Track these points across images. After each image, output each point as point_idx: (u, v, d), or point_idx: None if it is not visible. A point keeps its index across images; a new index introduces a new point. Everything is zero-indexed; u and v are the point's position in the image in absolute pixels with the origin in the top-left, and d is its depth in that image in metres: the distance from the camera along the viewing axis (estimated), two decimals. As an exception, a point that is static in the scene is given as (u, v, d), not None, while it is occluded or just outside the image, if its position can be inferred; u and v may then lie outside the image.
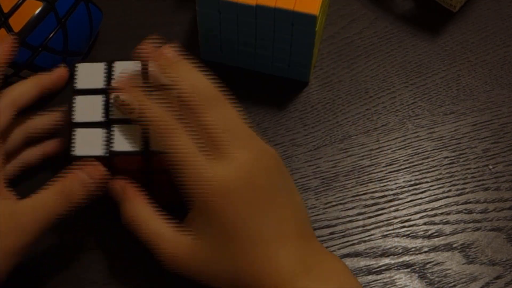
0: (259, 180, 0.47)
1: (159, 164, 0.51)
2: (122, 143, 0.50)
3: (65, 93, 0.60)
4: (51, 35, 0.56)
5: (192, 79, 0.49)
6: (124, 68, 0.53)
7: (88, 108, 0.51)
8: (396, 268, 0.55)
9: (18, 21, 0.55)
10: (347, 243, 0.56)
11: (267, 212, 0.46)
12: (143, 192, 0.50)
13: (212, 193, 0.46)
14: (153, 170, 0.52)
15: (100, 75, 0.53)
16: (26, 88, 0.52)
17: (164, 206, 0.55)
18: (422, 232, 0.56)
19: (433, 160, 0.59)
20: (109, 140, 0.50)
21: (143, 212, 0.49)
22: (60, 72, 0.54)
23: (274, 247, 0.46)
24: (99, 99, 0.52)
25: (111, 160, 0.50)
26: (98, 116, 0.51)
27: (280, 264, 0.46)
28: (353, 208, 0.57)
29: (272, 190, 0.47)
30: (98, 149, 0.50)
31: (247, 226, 0.46)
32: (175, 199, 0.55)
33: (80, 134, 0.51)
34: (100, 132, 0.51)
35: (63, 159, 0.51)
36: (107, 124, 0.51)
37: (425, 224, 0.56)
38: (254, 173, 0.47)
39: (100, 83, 0.52)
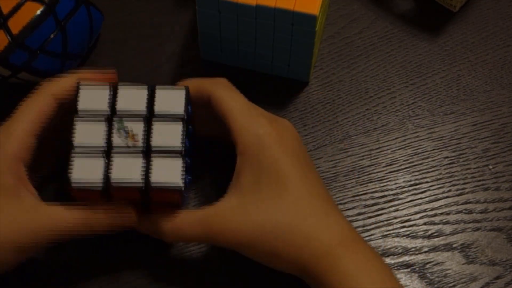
0: (296, 142, 0.52)
1: (158, 197, 0.50)
2: (121, 174, 0.48)
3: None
4: (50, 38, 0.56)
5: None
6: (128, 93, 0.51)
7: (89, 133, 0.49)
8: (396, 268, 0.55)
9: (17, 23, 0.55)
10: (347, 243, 0.56)
11: (311, 171, 0.51)
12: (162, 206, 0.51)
13: (262, 141, 0.50)
14: (151, 201, 0.51)
15: (104, 99, 0.50)
16: (67, 80, 0.51)
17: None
18: (422, 232, 0.56)
19: (433, 160, 0.59)
20: (108, 170, 0.48)
21: (177, 221, 0.50)
22: (109, 75, 0.53)
23: (326, 207, 0.50)
24: (100, 124, 0.50)
25: (109, 191, 0.49)
26: (99, 143, 0.49)
27: (331, 227, 0.49)
28: (353, 208, 0.57)
29: (305, 154, 0.53)
30: (96, 180, 0.48)
31: (297, 177, 0.49)
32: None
33: (78, 162, 0.48)
34: (99, 161, 0.49)
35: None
36: (107, 152, 0.49)
37: (425, 224, 0.56)
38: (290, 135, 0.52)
39: (103, 106, 0.50)
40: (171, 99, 0.51)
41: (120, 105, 0.50)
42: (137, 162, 0.49)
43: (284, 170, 0.49)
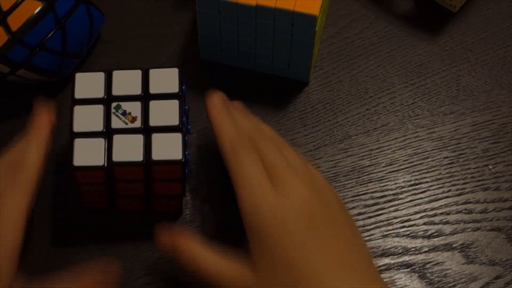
0: (317, 212, 0.48)
1: (160, 173, 0.51)
2: (122, 153, 0.50)
3: (64, 103, 0.61)
4: (49, 35, 0.56)
5: (256, 122, 0.54)
6: (123, 77, 0.53)
7: (88, 118, 0.51)
8: (396, 268, 0.55)
9: (16, 20, 0.55)
10: (347, 243, 0.56)
11: (326, 243, 0.47)
12: (191, 233, 0.51)
13: (269, 220, 0.47)
14: (153, 179, 0.52)
15: (100, 85, 0.52)
16: (34, 156, 0.50)
17: (165, 214, 0.56)
18: (422, 232, 0.56)
19: (433, 160, 0.59)
20: (109, 150, 0.50)
21: (202, 254, 0.49)
22: (44, 119, 0.52)
23: (337, 279, 0.46)
24: (99, 109, 0.51)
25: (112, 170, 0.50)
26: (99, 126, 0.51)
27: None
28: (353, 208, 0.57)
29: (330, 223, 0.48)
30: (99, 159, 0.50)
31: (305, 255, 0.46)
32: (176, 207, 0.56)
33: (80, 144, 0.50)
34: (100, 142, 0.50)
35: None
36: (107, 134, 0.51)
37: (425, 224, 0.56)
38: (311, 204, 0.48)
39: (100, 93, 0.52)
40: (165, 79, 0.53)
41: (116, 90, 0.52)
42: (138, 140, 0.50)
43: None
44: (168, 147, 0.50)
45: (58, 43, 0.57)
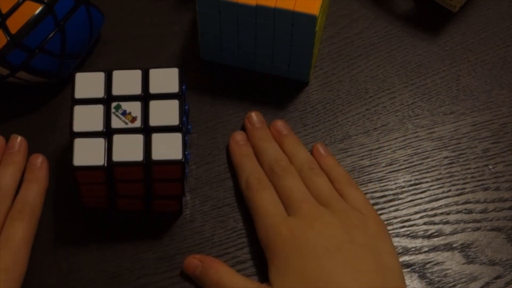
0: (337, 235, 0.51)
1: (160, 173, 0.51)
2: (122, 153, 0.50)
3: (64, 103, 0.61)
4: (49, 37, 0.56)
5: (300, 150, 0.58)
6: (123, 77, 0.53)
7: (88, 118, 0.51)
8: (396, 268, 0.55)
9: (15, 23, 0.55)
10: (347, 243, 0.56)
11: (345, 269, 0.49)
12: (218, 259, 0.53)
13: (286, 242, 0.50)
14: (153, 179, 0.52)
15: (100, 85, 0.52)
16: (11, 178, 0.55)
17: (165, 214, 0.56)
18: (422, 232, 0.56)
19: (433, 160, 0.59)
20: (109, 150, 0.50)
21: (227, 275, 0.51)
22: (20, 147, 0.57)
23: None
24: (99, 109, 0.51)
25: (112, 170, 0.50)
26: (99, 126, 0.51)
27: None
28: (353, 208, 0.57)
29: (353, 248, 0.50)
30: (99, 159, 0.50)
31: (324, 279, 0.48)
32: (176, 207, 0.56)
33: (80, 144, 0.50)
34: (100, 142, 0.50)
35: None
36: (107, 133, 0.51)
37: (425, 224, 0.56)
38: (332, 226, 0.51)
39: (100, 93, 0.52)
40: (165, 79, 0.53)
41: (116, 89, 0.52)
42: (138, 140, 0.50)
43: None
44: (168, 147, 0.50)
45: (58, 45, 0.57)
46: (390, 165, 0.59)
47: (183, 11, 0.66)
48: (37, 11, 0.55)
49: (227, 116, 0.61)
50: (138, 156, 0.50)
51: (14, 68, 0.56)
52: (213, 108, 0.61)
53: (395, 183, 0.58)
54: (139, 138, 0.50)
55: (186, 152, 0.52)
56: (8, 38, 0.55)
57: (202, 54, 0.63)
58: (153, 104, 0.52)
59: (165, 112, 0.51)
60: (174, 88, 0.52)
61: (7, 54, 0.55)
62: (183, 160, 0.50)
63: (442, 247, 0.56)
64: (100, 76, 0.53)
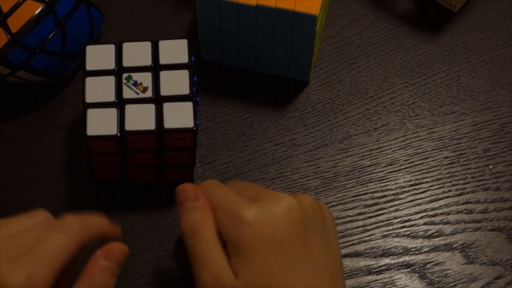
0: (291, 228, 0.47)
1: (172, 142, 0.52)
2: (135, 122, 0.51)
3: (64, 103, 0.61)
4: (49, 36, 0.56)
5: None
6: (133, 49, 0.54)
7: (99, 89, 0.52)
8: (396, 268, 0.55)
9: (16, 21, 0.55)
10: (347, 243, 0.56)
11: (297, 261, 0.46)
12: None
13: (246, 234, 0.46)
14: (165, 148, 0.52)
15: (110, 56, 0.53)
16: (97, 223, 0.48)
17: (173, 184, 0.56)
18: (422, 232, 0.56)
19: (433, 160, 0.59)
20: (122, 120, 0.51)
21: (208, 228, 0.47)
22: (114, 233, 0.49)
23: None
24: (110, 80, 0.52)
25: (125, 139, 0.51)
26: (110, 97, 0.52)
27: None
28: (353, 208, 0.57)
29: (305, 239, 0.47)
30: (112, 129, 0.51)
31: (278, 271, 0.46)
32: (187, 177, 0.56)
33: (92, 114, 0.51)
34: (112, 112, 0.51)
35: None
36: (119, 104, 0.52)
37: (425, 224, 0.56)
38: (285, 221, 0.47)
39: (110, 64, 0.53)
40: (174, 50, 0.54)
41: (127, 61, 0.53)
42: (150, 109, 0.51)
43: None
44: (180, 116, 0.51)
45: (58, 44, 0.57)
46: (391, 165, 0.59)
47: (183, 11, 0.66)
48: (38, 11, 0.55)
49: (227, 116, 0.61)
50: (151, 125, 0.51)
51: (14, 67, 0.56)
52: (213, 108, 0.61)
53: (396, 183, 0.58)
54: (151, 107, 0.51)
55: (198, 121, 0.53)
56: (8, 37, 0.55)
57: (202, 54, 0.63)
58: (163, 74, 0.53)
59: (176, 82, 0.52)
60: (184, 58, 0.53)
61: (8, 53, 0.55)
62: (194, 128, 0.51)
63: (443, 247, 0.56)
64: (110, 48, 0.54)
